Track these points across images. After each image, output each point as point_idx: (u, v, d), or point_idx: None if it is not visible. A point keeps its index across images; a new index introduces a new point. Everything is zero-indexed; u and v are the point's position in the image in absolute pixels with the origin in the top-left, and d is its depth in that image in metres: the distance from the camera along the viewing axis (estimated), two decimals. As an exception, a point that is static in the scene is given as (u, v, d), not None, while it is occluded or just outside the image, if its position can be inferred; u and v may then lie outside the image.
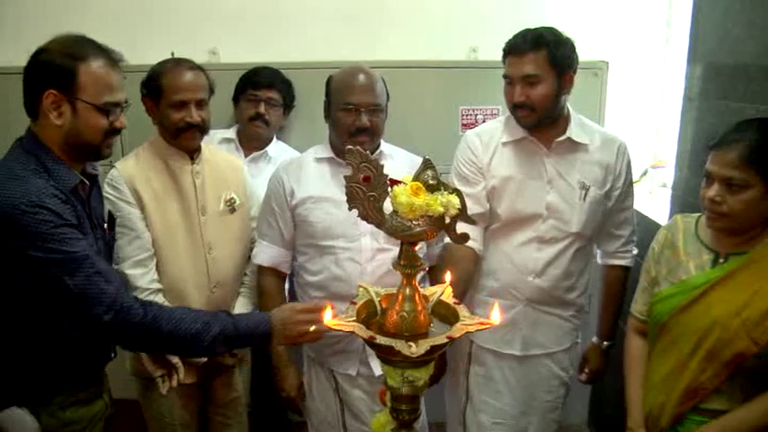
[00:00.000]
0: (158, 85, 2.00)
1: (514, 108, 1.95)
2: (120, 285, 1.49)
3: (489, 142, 2.05)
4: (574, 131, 2.00)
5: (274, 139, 2.62)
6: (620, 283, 2.19)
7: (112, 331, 1.46)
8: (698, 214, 1.71)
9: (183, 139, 2.03)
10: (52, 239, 1.42)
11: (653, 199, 2.71)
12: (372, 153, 1.58)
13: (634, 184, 2.20)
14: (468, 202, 1.84)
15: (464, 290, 2.01)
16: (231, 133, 2.60)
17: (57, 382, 1.60)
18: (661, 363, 1.68)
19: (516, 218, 2.03)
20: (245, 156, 2.56)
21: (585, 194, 1.99)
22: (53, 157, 1.53)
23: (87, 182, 1.62)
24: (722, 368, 1.54)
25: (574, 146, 2.00)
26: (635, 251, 2.18)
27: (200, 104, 2.02)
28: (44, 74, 1.49)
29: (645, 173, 2.82)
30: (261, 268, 2.13)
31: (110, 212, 1.80)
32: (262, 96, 2.49)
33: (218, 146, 2.49)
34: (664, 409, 1.65)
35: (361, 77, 1.97)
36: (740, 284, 1.54)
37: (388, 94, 2.04)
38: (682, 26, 2.56)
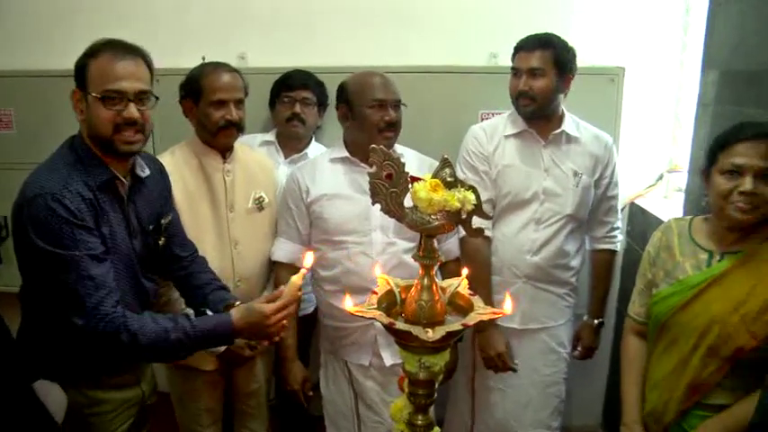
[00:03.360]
0: (198, 87, 2.10)
1: (518, 97, 2.19)
2: (108, 294, 1.54)
3: (493, 135, 2.28)
4: (568, 126, 2.24)
5: (312, 140, 2.68)
6: (608, 266, 2.46)
7: (88, 335, 1.52)
8: (690, 216, 1.79)
9: (222, 136, 2.12)
10: (57, 234, 1.51)
11: (669, 203, 2.75)
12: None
13: (650, 188, 2.32)
14: (481, 189, 1.96)
15: (488, 274, 2.27)
16: (270, 136, 2.66)
17: (83, 365, 1.69)
18: (663, 361, 1.72)
19: (516, 201, 2.25)
20: (285, 157, 2.62)
21: (578, 181, 2.23)
22: (89, 152, 1.63)
23: (124, 180, 1.67)
24: (723, 363, 1.59)
25: (568, 139, 2.27)
26: (620, 237, 2.42)
27: (238, 104, 2.11)
28: (74, 74, 1.61)
29: (660, 177, 2.86)
30: (278, 264, 2.23)
31: (160, 220, 1.84)
32: (296, 97, 2.54)
33: (258, 148, 2.57)
34: (667, 407, 1.69)
35: (383, 77, 2.12)
36: (737, 281, 1.59)
37: None
38: (698, 33, 2.59)
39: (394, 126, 2.08)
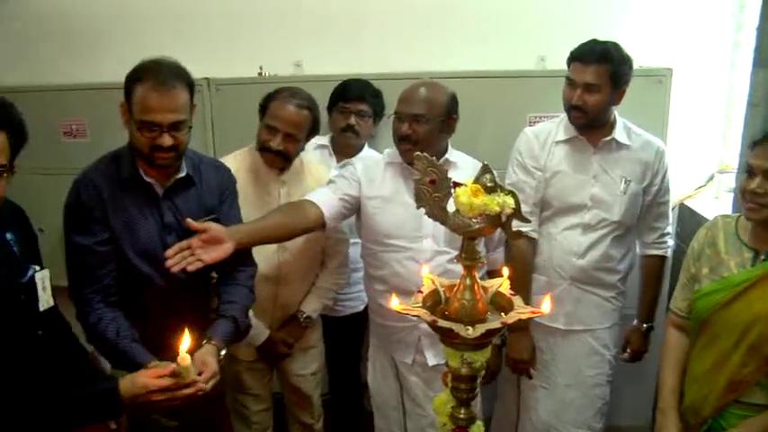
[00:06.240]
0: (267, 105, 2.23)
1: (570, 108, 2.18)
2: (91, 280, 1.77)
3: (546, 141, 2.29)
4: (618, 134, 2.23)
5: (365, 147, 2.75)
6: (658, 272, 2.45)
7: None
8: (737, 214, 1.80)
9: (263, 155, 2.25)
10: (68, 217, 1.80)
11: (719, 204, 2.74)
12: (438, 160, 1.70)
13: (700, 189, 2.43)
14: (530, 191, 2.19)
15: (529, 276, 2.32)
16: (326, 140, 2.74)
17: None
18: (703, 357, 1.75)
19: (564, 206, 2.27)
20: (338, 161, 2.70)
21: (627, 188, 2.23)
22: (128, 151, 1.82)
23: (153, 181, 1.83)
24: (764, 362, 1.61)
25: (618, 146, 2.26)
26: (671, 242, 2.41)
27: (289, 137, 2.19)
28: (124, 89, 1.76)
29: (711, 178, 2.85)
30: (307, 200, 2.15)
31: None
32: (352, 109, 2.61)
33: (312, 151, 2.66)
34: (706, 401, 1.72)
35: (410, 89, 2.14)
36: None
37: (451, 107, 2.14)
38: (753, 31, 2.57)
39: (408, 139, 2.08)
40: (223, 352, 1.84)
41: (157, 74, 1.71)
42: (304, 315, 2.40)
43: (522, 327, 2.31)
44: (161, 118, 1.70)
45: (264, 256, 2.23)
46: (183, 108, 1.75)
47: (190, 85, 1.79)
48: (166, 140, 1.72)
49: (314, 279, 2.44)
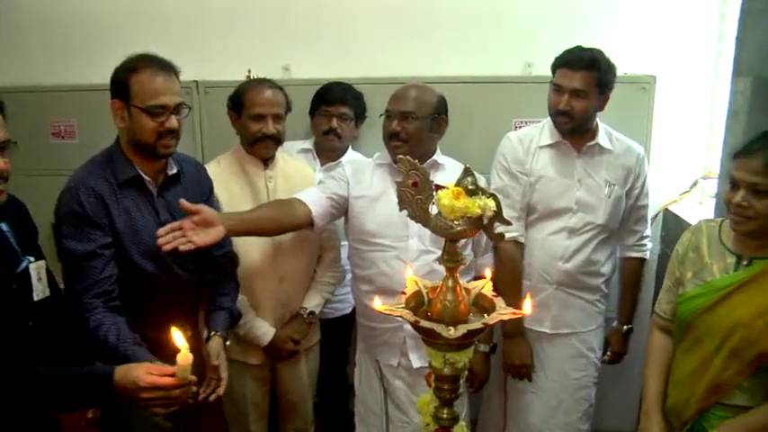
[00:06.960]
0: (241, 100, 2.25)
1: (557, 114, 2.20)
2: (92, 285, 1.76)
3: (530, 146, 2.31)
4: (601, 138, 2.26)
5: (349, 149, 2.77)
6: (637, 274, 2.48)
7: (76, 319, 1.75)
8: (721, 219, 1.82)
9: (259, 147, 2.27)
10: (66, 225, 1.77)
11: (703, 210, 2.77)
12: (423, 162, 1.71)
13: (684, 195, 2.48)
14: (517, 196, 2.20)
15: (519, 280, 2.32)
16: (309, 144, 2.77)
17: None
18: (686, 360, 1.78)
19: (550, 211, 2.29)
20: (321, 165, 2.72)
21: (611, 192, 2.25)
22: (119, 152, 1.85)
23: (150, 178, 1.87)
24: (745, 366, 1.63)
25: (601, 150, 2.30)
26: (650, 245, 2.44)
27: (276, 118, 2.24)
28: (111, 87, 1.81)
29: (695, 184, 2.88)
30: (295, 198, 2.17)
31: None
32: (334, 112, 2.64)
33: (296, 155, 2.68)
34: (688, 403, 1.74)
35: (401, 90, 2.18)
36: (763, 288, 1.63)
37: (440, 107, 2.19)
38: (733, 40, 2.61)
39: (397, 137, 2.13)
40: (227, 343, 1.95)
41: (153, 61, 1.80)
42: (307, 311, 2.41)
43: (519, 332, 2.34)
44: (168, 99, 1.78)
45: (262, 252, 2.26)
46: (180, 92, 1.85)
47: (178, 78, 1.87)
48: (174, 122, 1.81)
49: (312, 275, 2.46)
